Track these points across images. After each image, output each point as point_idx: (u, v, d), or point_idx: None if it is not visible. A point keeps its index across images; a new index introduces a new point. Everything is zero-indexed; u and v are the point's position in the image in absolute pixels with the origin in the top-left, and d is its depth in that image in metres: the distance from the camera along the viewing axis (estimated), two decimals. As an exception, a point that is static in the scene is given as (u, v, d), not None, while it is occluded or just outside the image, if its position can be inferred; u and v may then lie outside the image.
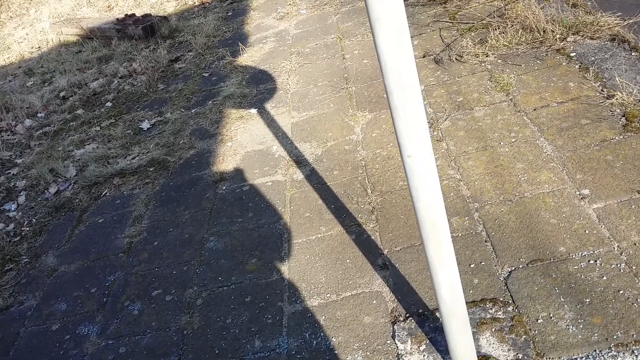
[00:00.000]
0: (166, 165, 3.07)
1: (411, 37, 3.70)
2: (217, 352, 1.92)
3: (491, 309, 1.80)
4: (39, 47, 5.87)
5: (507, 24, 3.40)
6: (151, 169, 3.06)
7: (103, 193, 2.95)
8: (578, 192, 2.14)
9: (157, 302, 2.20)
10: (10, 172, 3.39)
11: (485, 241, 2.04)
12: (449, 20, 3.72)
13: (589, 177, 2.20)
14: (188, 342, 1.99)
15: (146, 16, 5.19)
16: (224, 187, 2.78)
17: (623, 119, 2.44)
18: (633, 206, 2.01)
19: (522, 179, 2.30)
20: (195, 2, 5.67)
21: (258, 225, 2.45)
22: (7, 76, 5.29)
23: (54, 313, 2.31)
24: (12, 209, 2.98)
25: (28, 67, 5.31)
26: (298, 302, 2.02)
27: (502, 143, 2.53)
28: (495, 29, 3.36)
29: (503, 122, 2.66)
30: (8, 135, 3.90)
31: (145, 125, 3.53)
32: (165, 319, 2.11)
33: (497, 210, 2.17)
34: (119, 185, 2.98)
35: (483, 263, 1.96)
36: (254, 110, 3.41)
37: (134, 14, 5.32)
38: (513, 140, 2.53)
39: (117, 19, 5.31)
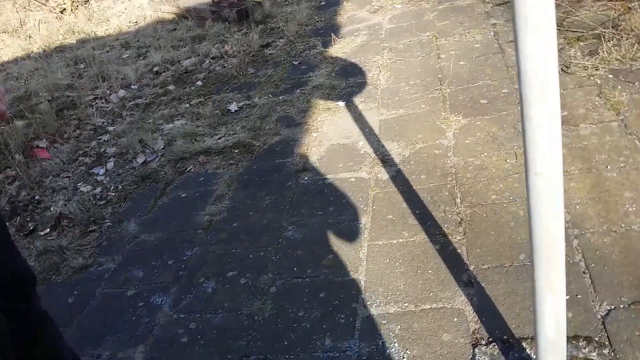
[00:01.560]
0: (251, 148, 3.08)
1: (513, 41, 3.51)
2: (286, 343, 1.88)
3: (584, 347, 1.65)
4: (136, 22, 6.08)
5: (622, 37, 3.15)
6: (236, 151, 3.08)
7: (188, 169, 2.99)
8: (693, 230, 1.94)
9: (231, 283, 2.20)
10: (101, 139, 3.52)
11: (584, 272, 1.88)
12: (557, 27, 3.50)
13: None
14: (259, 328, 1.96)
15: (241, 0, 5.24)
16: (307, 178, 2.74)
17: None
18: None
19: (630, 209, 2.11)
20: (290, -11, 5.67)
21: (338, 221, 2.39)
22: (105, 47, 5.51)
23: (130, 279, 2.35)
24: (101, 173, 3.09)
25: (125, 40, 5.51)
26: (373, 306, 1.95)
27: (609, 167, 2.34)
28: (608, 41, 3.12)
29: (612, 144, 2.46)
30: (102, 103, 4.05)
31: (233, 107, 3.56)
32: (238, 301, 2.10)
33: (599, 241, 2.00)
34: (204, 163, 3.02)
35: (579, 296, 1.80)
36: (341, 103, 3.35)
37: (229, -4, 5.39)
38: (622, 165, 2.33)
39: (213, 1, 5.40)
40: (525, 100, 1.14)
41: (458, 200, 2.35)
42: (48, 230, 2.64)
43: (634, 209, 2.11)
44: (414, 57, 3.68)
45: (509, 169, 2.47)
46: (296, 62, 4.04)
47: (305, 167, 2.81)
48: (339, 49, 4.09)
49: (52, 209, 2.79)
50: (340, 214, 2.44)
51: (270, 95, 3.65)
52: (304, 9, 4.97)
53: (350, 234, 2.30)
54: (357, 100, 3.35)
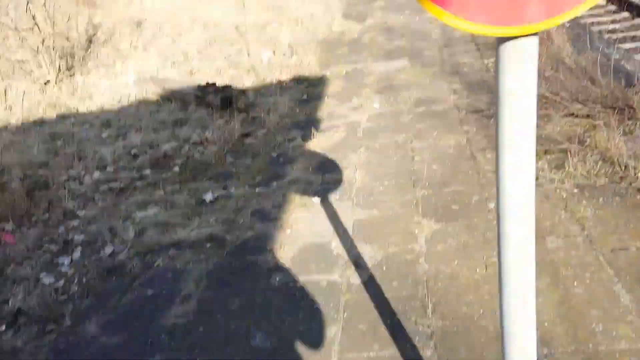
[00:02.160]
0: (223, 243, 3.05)
1: (484, 149, 3.66)
2: None
3: None
4: (120, 100, 6.17)
5: (587, 152, 3.31)
6: (208, 245, 3.04)
7: (156, 262, 2.94)
8: (659, 355, 1.96)
9: (192, 394, 2.10)
10: (70, 224, 3.45)
11: (554, 397, 1.86)
12: (526, 139, 3.66)
13: (672, 339, 2.02)
14: None
15: (226, 87, 5.40)
16: (278, 279, 2.71)
17: None
18: None
19: (597, 329, 2.13)
20: (273, 81, 5.88)
21: (309, 328, 2.35)
22: (85, 124, 5.55)
23: (87, 384, 2.23)
24: (66, 263, 3.00)
25: (106, 119, 5.56)
26: None
27: (576, 282, 2.38)
28: (574, 156, 3.27)
29: (578, 259, 2.52)
30: (76, 185, 4.02)
31: (208, 197, 3.56)
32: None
33: (568, 361, 2.00)
34: (174, 257, 2.97)
35: (550, 423, 1.77)
36: (317, 200, 3.39)
37: (215, 83, 5.55)
38: (588, 281, 2.37)
39: (199, 86, 5.55)
40: (502, 218, 1.17)
41: (429, 311, 2.34)
42: (4, 327, 2.51)
43: (601, 328, 2.13)
44: (389, 157, 3.79)
45: (478, 280, 2.49)
46: (275, 154, 4.12)
47: (277, 267, 2.79)
48: (317, 143, 4.19)
49: (10, 302, 2.67)
50: (311, 320, 2.39)
51: (247, 187, 3.68)
52: (286, 101, 5.13)
53: (321, 344, 2.25)
54: (333, 197, 3.39)
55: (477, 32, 1.05)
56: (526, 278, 1.24)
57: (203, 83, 5.62)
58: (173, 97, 5.65)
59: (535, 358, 1.32)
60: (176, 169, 4.12)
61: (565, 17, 1.01)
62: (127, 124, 5.28)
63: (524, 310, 1.26)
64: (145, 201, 3.66)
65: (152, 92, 6.00)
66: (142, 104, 5.88)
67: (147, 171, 4.15)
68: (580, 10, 1.00)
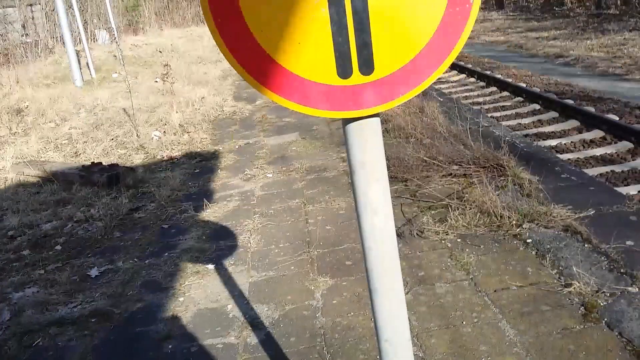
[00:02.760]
0: (110, 317, 2.84)
1: (374, 209, 3.82)
2: None
3: None
4: (-5, 184, 5.75)
5: (466, 206, 3.57)
6: (93, 320, 2.82)
7: (36, 342, 2.66)
8: (543, 381, 2.06)
9: None
10: None
11: None
12: (410, 197, 3.89)
13: (553, 365, 2.14)
14: None
15: (113, 165, 5.24)
16: (170, 347, 2.55)
17: (582, 308, 2.46)
18: (601, 400, 1.94)
19: (487, 362, 2.22)
20: (164, 157, 5.82)
21: (203, 393, 2.21)
22: (-47, 209, 5.07)
23: None
24: None
25: (-21, 202, 5.13)
26: None
27: (464, 322, 2.48)
28: (455, 210, 3.51)
29: (465, 300, 2.65)
30: (-61, 270, 3.60)
31: (94, 272, 3.34)
32: None
33: (462, 395, 2.05)
34: (55, 335, 2.71)
35: None
36: (211, 266, 3.30)
37: (100, 162, 5.38)
38: (475, 320, 2.49)
39: (83, 166, 5.34)
40: (371, 275, 1.23)
41: (328, 363, 2.31)
42: None
43: (490, 362, 2.22)
44: (283, 221, 3.83)
45: (374, 328, 2.51)
46: (166, 226, 4.00)
47: (169, 335, 2.63)
48: (211, 213, 4.14)
49: None
50: (205, 385, 2.26)
51: (135, 260, 3.50)
52: (177, 175, 5.07)
53: (216, 407, 2.12)
54: (227, 262, 3.33)
55: (323, 116, 1.19)
56: (401, 327, 1.30)
57: (87, 163, 5.42)
58: (55, 179, 5.37)
59: None
60: (58, 247, 3.84)
61: (399, 102, 1.17)
62: (4, 206, 4.90)
63: (401, 355, 1.30)
64: (23, 281, 3.35)
65: (31, 175, 5.66)
66: (20, 186, 5.52)
67: (26, 252, 3.83)
68: (411, 96, 1.17)
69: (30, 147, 6.95)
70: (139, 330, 2.72)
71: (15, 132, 8.03)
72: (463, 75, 10.03)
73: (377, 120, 1.17)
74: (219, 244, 3.60)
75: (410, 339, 1.29)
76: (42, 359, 2.57)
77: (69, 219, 4.33)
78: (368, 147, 1.17)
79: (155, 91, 9.37)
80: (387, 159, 4.57)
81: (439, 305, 2.62)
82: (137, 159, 5.86)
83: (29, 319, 2.89)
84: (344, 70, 1.12)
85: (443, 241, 3.24)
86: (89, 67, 12.93)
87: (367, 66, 1.11)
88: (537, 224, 3.23)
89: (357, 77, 1.12)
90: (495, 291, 2.69)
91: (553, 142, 5.66)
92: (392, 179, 4.27)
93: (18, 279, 3.41)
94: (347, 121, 1.17)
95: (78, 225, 4.18)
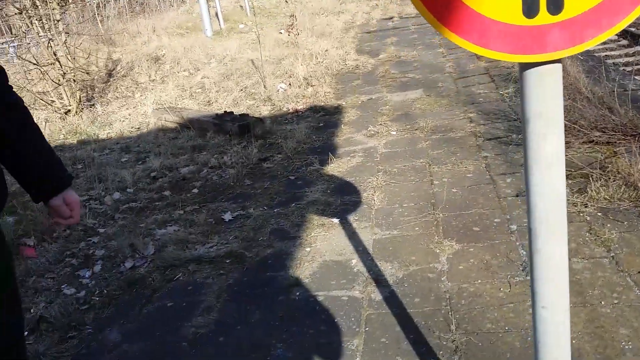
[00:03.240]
0: (243, 259, 3.04)
1: (504, 174, 3.66)
2: None
3: None
4: (139, 128, 6.28)
5: (609, 177, 3.30)
6: (227, 261, 3.04)
7: (177, 277, 2.93)
8: (692, 374, 1.90)
9: (212, 404, 2.06)
10: (91, 240, 3.47)
11: (586, 411, 1.81)
12: (545, 165, 3.66)
13: None
14: None
15: (244, 115, 5.48)
16: (298, 293, 2.69)
17: None
18: None
19: (627, 347, 2.08)
20: (289, 109, 5.97)
21: (330, 341, 2.31)
22: (105, 149, 5.64)
23: (105, 394, 2.20)
24: (87, 276, 3.00)
25: (126, 145, 5.65)
26: None
27: (603, 302, 2.34)
28: (596, 180, 3.26)
29: (604, 279, 2.48)
30: (96, 204, 4.05)
31: (227, 216, 3.57)
32: None
33: (598, 377, 1.95)
34: (194, 272, 2.96)
35: None
36: (336, 220, 3.39)
37: (232, 112, 5.65)
38: (616, 301, 2.33)
39: (217, 114, 5.64)
40: (535, 235, 1.17)
41: (453, 327, 2.30)
42: (26, 333, 2.51)
43: (631, 346, 2.08)
44: (407, 181, 3.80)
45: (503, 297, 2.46)
46: (293, 177, 4.14)
47: (297, 282, 2.77)
48: (335, 167, 4.22)
49: (32, 310, 2.67)
50: (332, 333, 2.36)
51: (265, 207, 3.69)
52: (303, 128, 5.19)
53: (343, 356, 2.21)
54: (352, 218, 3.39)
55: (502, 59, 1.11)
56: (560, 293, 1.23)
57: (220, 111, 5.72)
58: (191, 125, 5.74)
59: None
60: (195, 190, 4.15)
61: (586, 46, 1.06)
62: (146, 149, 5.36)
63: (558, 326, 1.24)
64: (165, 220, 3.67)
65: (170, 121, 6.10)
66: (161, 131, 5.98)
67: (167, 192, 4.18)
68: (600, 40, 1.05)
69: (168, 94, 7.48)
70: (269, 275, 2.89)
71: (154, 80, 8.66)
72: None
73: (559, 66, 1.09)
74: (343, 198, 3.67)
75: (568, 308, 1.23)
76: (183, 291, 2.83)
77: (204, 164, 4.64)
78: (548, 95, 1.09)
79: (280, 42, 9.55)
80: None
81: (575, 282, 2.48)
82: (265, 110, 6.07)
83: (171, 255, 3.17)
84: (529, 8, 1.04)
85: (581, 214, 3.03)
86: (217, 18, 13.46)
87: (555, 4, 1.02)
88: (694, 203, 2.91)
89: (543, 16, 1.04)
90: (639, 272, 2.49)
91: None
92: (525, 143, 4.03)
93: (161, 217, 3.75)
94: (526, 66, 1.10)
95: (212, 171, 4.46)
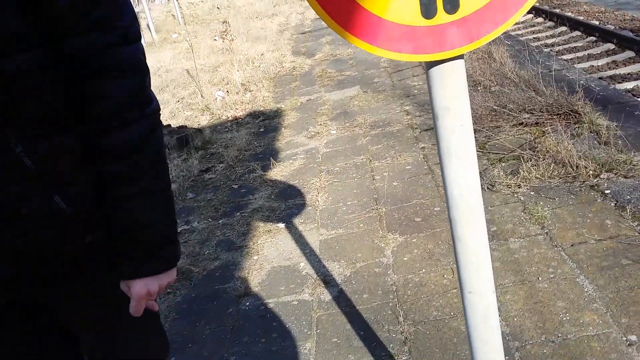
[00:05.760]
0: (189, 275, 3.00)
1: (441, 163, 3.76)
2: None
3: None
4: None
5: (539, 157, 3.44)
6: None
7: (122, 300, 2.86)
8: (625, 338, 2.01)
9: None
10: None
11: (530, 386, 1.88)
12: (479, 150, 3.79)
13: (635, 322, 2.08)
14: None
15: (182, 127, 5.40)
16: (248, 303, 2.67)
17: (667, 261, 2.36)
18: (688, 358, 1.87)
19: (565, 318, 2.18)
20: (228, 117, 5.92)
21: (282, 348, 2.31)
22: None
23: None
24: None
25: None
26: None
27: (540, 278, 2.44)
28: (527, 161, 3.40)
29: (540, 255, 2.59)
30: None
31: (171, 232, 3.51)
32: None
33: (539, 352, 2.03)
34: (140, 293, 2.90)
35: (529, 411, 1.79)
36: (282, 225, 3.39)
37: (169, 125, 5.55)
38: (552, 276, 2.44)
39: (154, 128, 5.52)
40: (455, 222, 1.21)
41: (401, 319, 2.35)
42: None
43: (568, 317, 2.18)
44: (350, 178, 3.84)
45: (447, 284, 2.52)
46: (236, 186, 4.11)
47: (246, 292, 2.75)
48: (278, 172, 4.21)
49: None
50: (283, 340, 2.36)
51: (209, 219, 3.64)
52: (243, 135, 5.16)
53: (295, 361, 2.22)
54: (297, 221, 3.40)
55: (406, 60, 1.14)
56: (484, 277, 1.27)
57: (159, 125, 5.60)
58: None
59: (502, 352, 1.35)
60: (136, 209, 4.05)
61: (484, 41, 1.11)
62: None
63: (486, 307, 1.29)
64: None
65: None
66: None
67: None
68: (496, 34, 1.10)
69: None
70: (217, 288, 2.86)
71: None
72: (530, 15, 9.47)
73: (461, 62, 1.13)
74: (287, 202, 3.67)
75: (494, 290, 1.28)
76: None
77: (144, 181, 4.53)
78: (453, 90, 1.14)
79: (215, 50, 9.46)
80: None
81: (513, 261, 2.58)
82: (204, 120, 6.00)
83: (117, 278, 3.09)
84: (427, 9, 1.08)
85: (515, 194, 3.15)
86: (149, 29, 13.19)
87: (451, 4, 1.07)
88: (615, 174, 3.08)
89: (441, 16, 1.08)
90: (572, 245, 2.61)
91: (630, 85, 5.30)
92: (459, 131, 4.15)
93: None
94: (431, 64, 1.14)
95: (153, 187, 4.37)
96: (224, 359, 2.31)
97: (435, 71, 1.14)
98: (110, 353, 1.26)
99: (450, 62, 1.13)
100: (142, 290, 1.13)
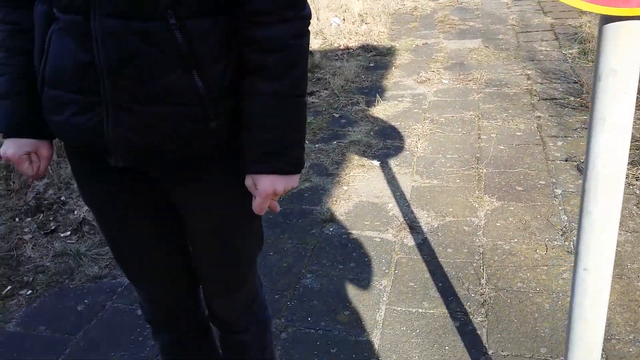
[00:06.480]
0: (280, 189, 3.07)
1: (556, 137, 3.53)
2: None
3: None
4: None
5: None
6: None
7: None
8: None
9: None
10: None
11: (608, 380, 1.81)
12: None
13: None
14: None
15: (294, 46, 5.38)
16: (331, 229, 2.71)
17: None
18: None
19: (659, 323, 2.05)
20: (340, 45, 5.84)
21: (358, 278, 2.35)
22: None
23: (139, 297, 2.31)
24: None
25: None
26: (383, 373, 1.88)
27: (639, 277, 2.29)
28: (650, 153, 3.12)
29: (645, 254, 2.42)
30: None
31: (268, 146, 3.58)
32: (244, 342, 2.04)
33: (624, 349, 1.94)
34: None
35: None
36: (376, 162, 3.36)
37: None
38: (654, 277, 2.28)
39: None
40: (587, 197, 1.14)
41: (483, 281, 2.30)
42: (69, 233, 2.63)
43: (663, 324, 2.05)
44: (454, 132, 3.71)
45: (538, 259, 2.43)
46: (337, 115, 4.10)
47: (331, 218, 2.79)
48: (381, 110, 4.14)
49: (76, 212, 2.78)
50: (361, 271, 2.39)
51: (306, 142, 3.67)
52: (352, 66, 5.08)
53: (369, 293, 2.25)
54: (392, 162, 3.36)
55: (585, 9, 1.04)
56: (604, 258, 1.19)
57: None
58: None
59: (602, 337, 1.29)
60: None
61: None
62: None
63: (597, 292, 1.22)
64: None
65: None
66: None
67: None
68: None
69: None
70: (304, 208, 2.91)
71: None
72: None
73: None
74: (386, 142, 3.62)
75: (611, 274, 1.21)
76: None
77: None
78: (627, 52, 1.04)
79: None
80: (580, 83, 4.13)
81: (615, 253, 2.42)
82: (315, 44, 5.95)
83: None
84: None
85: (631, 186, 2.93)
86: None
87: None
88: None
89: None
90: (684, 252, 2.42)
91: None
92: (583, 107, 3.87)
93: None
94: (608, 19, 1.04)
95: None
96: (302, 275, 2.38)
97: (610, 27, 1.03)
98: (211, 245, 1.32)
99: (630, 21, 1.01)
100: (269, 188, 1.14)
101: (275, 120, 1.13)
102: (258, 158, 1.15)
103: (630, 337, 1.99)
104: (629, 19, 1.02)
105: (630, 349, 1.93)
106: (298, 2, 1.11)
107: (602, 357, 1.90)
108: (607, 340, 1.97)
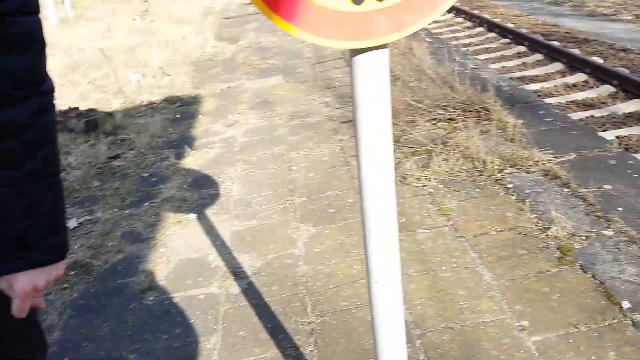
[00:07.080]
0: (89, 269, 2.83)
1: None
2: None
3: None
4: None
5: (450, 152, 3.54)
6: (72, 273, 2.81)
7: (13, 295, 2.65)
8: (518, 324, 2.11)
9: None
10: None
11: (428, 374, 1.93)
12: (394, 142, 3.84)
13: (527, 308, 2.19)
14: None
15: (91, 110, 5.11)
16: (151, 298, 2.56)
17: (557, 252, 2.50)
18: (570, 340, 2.00)
19: (464, 306, 2.26)
20: (143, 102, 5.68)
21: (185, 344, 2.23)
22: None
23: None
24: None
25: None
26: None
27: (443, 268, 2.51)
28: (438, 155, 3.49)
29: (444, 246, 2.67)
30: None
31: (72, 223, 3.30)
32: None
33: (438, 339, 2.09)
34: (34, 287, 2.70)
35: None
36: (193, 216, 3.28)
37: (77, 107, 5.24)
38: (454, 265, 2.52)
39: (60, 111, 5.19)
40: (366, 214, 1.21)
41: (309, 310, 2.34)
42: None
43: (467, 305, 2.26)
44: (266, 169, 3.78)
45: (355, 274, 2.54)
46: (146, 174, 3.94)
47: (150, 287, 2.64)
48: (192, 160, 4.08)
49: None
50: (187, 335, 2.28)
51: (115, 210, 3.47)
52: (157, 121, 4.96)
53: (199, 356, 2.15)
54: (209, 212, 3.31)
55: (331, 47, 1.12)
56: (391, 268, 1.28)
57: (64, 108, 5.27)
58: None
59: (404, 342, 1.37)
60: (37, 197, 3.78)
61: (409, 31, 1.10)
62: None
63: (391, 298, 1.29)
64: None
65: None
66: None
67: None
68: (422, 25, 1.10)
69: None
70: (119, 282, 2.72)
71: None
72: (451, 15, 9.78)
73: (386, 52, 1.12)
74: (200, 192, 3.56)
75: (400, 282, 1.28)
76: (25, 310, 2.57)
77: (48, 167, 4.25)
78: (376, 80, 1.12)
79: (133, 30, 9.04)
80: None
81: (418, 251, 2.64)
82: (116, 104, 5.71)
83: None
84: None
85: (425, 187, 3.23)
86: (64, 4, 12.40)
87: None
88: (518, 169, 3.23)
89: (370, 3, 1.06)
90: (474, 236, 2.71)
91: (536, 86, 5.61)
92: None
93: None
94: (356, 52, 1.11)
95: (57, 174, 4.10)
96: (123, 358, 2.20)
97: (359, 59, 1.12)
98: None
99: (375, 51, 1.11)
100: (27, 286, 1.02)
101: (25, 207, 1.01)
102: (12, 253, 1.02)
103: (443, 326, 2.16)
104: (374, 49, 1.10)
105: (444, 337, 2.10)
106: (35, 76, 1.02)
107: (420, 351, 2.03)
108: (423, 334, 2.12)
